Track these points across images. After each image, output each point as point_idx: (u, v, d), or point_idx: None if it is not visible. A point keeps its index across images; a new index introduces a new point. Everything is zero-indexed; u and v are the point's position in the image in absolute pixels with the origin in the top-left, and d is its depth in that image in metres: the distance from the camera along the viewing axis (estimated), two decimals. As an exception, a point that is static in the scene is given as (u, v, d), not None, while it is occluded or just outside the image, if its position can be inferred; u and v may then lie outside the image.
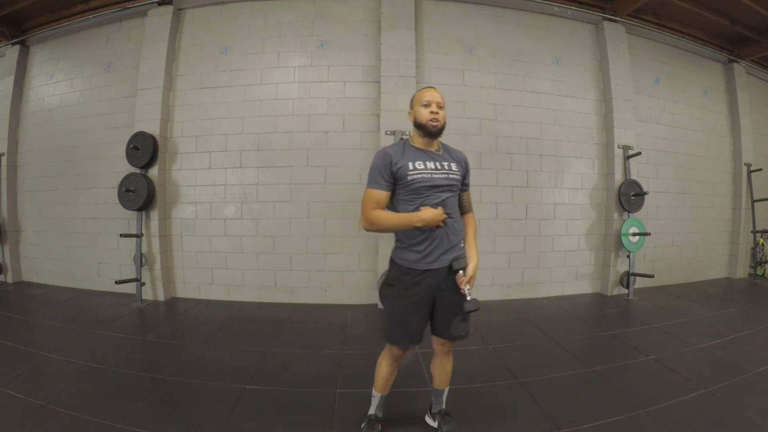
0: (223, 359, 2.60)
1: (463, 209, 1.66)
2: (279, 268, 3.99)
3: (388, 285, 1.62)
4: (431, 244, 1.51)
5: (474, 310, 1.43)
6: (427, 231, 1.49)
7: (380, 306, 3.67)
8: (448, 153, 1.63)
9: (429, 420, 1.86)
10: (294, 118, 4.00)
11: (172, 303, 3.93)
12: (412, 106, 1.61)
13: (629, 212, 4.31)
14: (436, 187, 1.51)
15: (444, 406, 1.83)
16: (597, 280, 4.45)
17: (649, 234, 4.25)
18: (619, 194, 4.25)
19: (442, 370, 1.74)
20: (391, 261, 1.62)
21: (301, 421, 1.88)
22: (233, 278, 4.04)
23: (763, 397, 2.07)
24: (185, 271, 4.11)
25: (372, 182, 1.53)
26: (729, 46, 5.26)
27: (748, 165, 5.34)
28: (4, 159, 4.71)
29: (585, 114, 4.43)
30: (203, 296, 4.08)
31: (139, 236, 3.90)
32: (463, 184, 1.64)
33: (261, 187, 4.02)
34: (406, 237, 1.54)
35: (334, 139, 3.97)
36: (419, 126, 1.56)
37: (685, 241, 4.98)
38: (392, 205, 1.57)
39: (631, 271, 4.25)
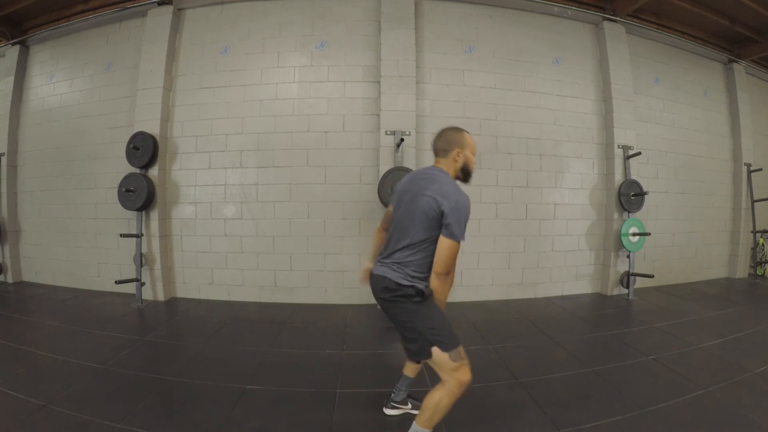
0: (223, 359, 2.60)
1: None
2: (279, 268, 4.00)
3: (424, 297, 1.53)
4: None
5: None
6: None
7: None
8: None
9: (389, 411, 1.92)
10: (294, 118, 4.00)
11: (172, 303, 3.93)
12: (462, 147, 1.57)
13: (629, 212, 4.31)
14: None
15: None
16: (597, 280, 4.45)
17: (649, 234, 4.25)
18: (619, 194, 4.25)
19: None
20: (415, 288, 1.53)
21: (301, 422, 1.88)
22: (233, 278, 4.04)
23: (763, 397, 2.07)
24: (185, 271, 4.11)
25: (463, 235, 1.44)
26: (729, 46, 5.26)
27: (748, 165, 5.34)
28: (4, 159, 4.71)
29: (585, 114, 4.43)
30: (203, 296, 4.08)
31: (139, 236, 3.90)
32: None
33: (261, 187, 4.02)
34: (427, 269, 1.54)
35: (334, 139, 3.97)
36: (466, 172, 1.61)
37: (685, 241, 4.98)
38: (429, 246, 1.51)
39: (631, 271, 4.25)
